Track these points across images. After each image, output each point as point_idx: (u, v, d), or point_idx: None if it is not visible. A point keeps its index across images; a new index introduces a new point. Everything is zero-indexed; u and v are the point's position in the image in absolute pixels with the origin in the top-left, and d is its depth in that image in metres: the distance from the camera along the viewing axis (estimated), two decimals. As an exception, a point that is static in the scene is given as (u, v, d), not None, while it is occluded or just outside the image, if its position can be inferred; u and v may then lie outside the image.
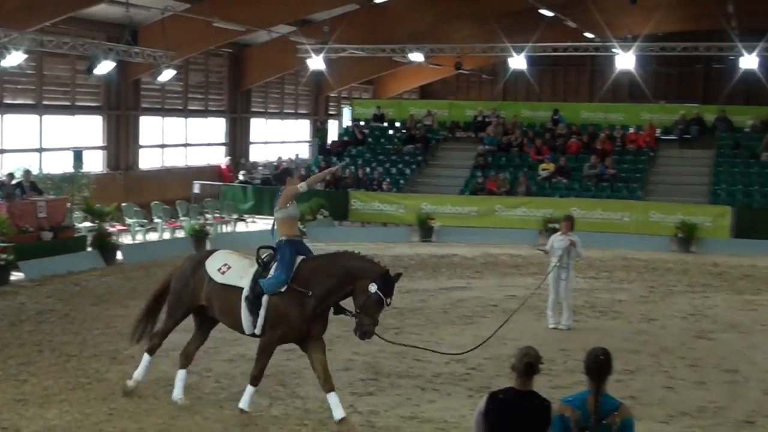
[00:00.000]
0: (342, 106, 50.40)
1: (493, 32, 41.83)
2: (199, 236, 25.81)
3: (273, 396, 11.76)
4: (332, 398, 10.52)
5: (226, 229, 29.83)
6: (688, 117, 35.26)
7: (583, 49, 43.18)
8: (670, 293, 20.21)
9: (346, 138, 37.91)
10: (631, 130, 34.97)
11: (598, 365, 6.27)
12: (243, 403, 10.92)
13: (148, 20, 30.90)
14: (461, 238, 28.18)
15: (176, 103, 35.74)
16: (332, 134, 44.30)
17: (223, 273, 11.09)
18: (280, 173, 33.86)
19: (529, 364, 6.33)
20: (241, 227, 30.48)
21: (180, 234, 27.23)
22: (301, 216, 21.31)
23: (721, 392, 12.61)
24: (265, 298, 10.66)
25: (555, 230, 16.92)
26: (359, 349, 13.71)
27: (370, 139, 37.12)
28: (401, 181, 33.73)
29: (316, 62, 35.25)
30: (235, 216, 30.71)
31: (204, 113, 37.57)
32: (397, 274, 10.74)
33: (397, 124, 38.49)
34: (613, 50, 39.33)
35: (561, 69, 57.96)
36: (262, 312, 10.69)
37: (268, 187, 32.60)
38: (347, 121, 42.87)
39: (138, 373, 11.62)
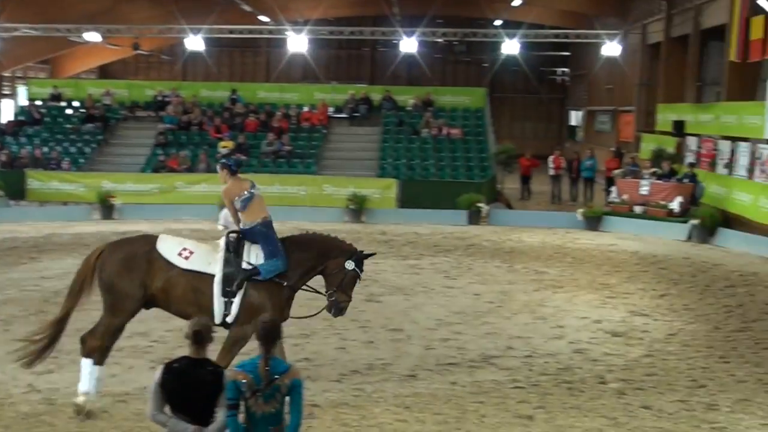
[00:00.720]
0: (17, 85, 47.58)
1: (171, 14, 41.22)
2: None
3: None
4: None
5: None
6: (357, 97, 36.29)
7: (258, 32, 43.54)
8: (343, 260, 20.81)
9: (22, 118, 35.74)
10: (306, 109, 35.61)
11: (266, 331, 6.35)
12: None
13: None
14: (143, 215, 27.51)
15: None
16: (7, 114, 41.71)
17: (186, 258, 9.95)
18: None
19: (197, 332, 6.31)
20: None
21: None
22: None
23: (387, 350, 13.16)
24: (243, 287, 9.89)
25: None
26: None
27: (47, 119, 35.21)
28: (81, 160, 32.32)
29: (-15, 40, 32.96)
30: None
31: None
32: (372, 252, 10.64)
33: (76, 104, 36.77)
34: (286, 33, 39.89)
35: (238, 51, 58.10)
36: (237, 300, 9.90)
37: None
38: (23, 101, 40.47)
39: (85, 386, 9.87)
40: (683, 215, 25.73)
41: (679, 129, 32.19)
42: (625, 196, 27.37)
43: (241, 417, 6.30)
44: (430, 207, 28.17)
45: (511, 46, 40.01)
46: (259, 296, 10.00)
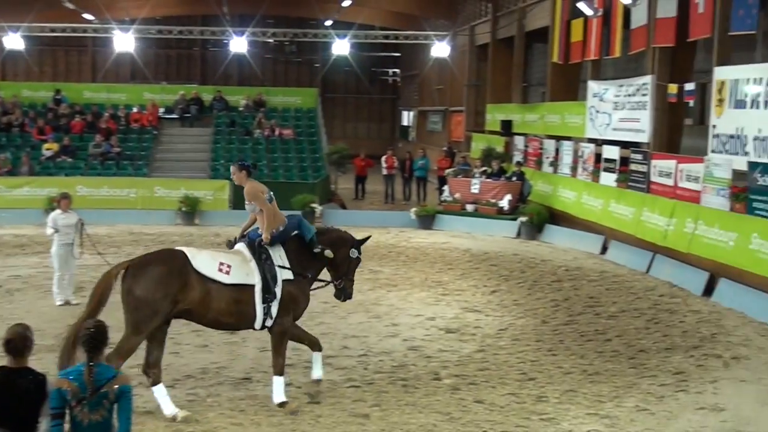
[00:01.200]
0: None
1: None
2: None
3: None
4: (317, 357, 10.91)
5: None
6: (188, 97, 35.82)
7: (82, 30, 42.18)
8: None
9: None
10: (135, 110, 34.86)
11: (90, 337, 6.14)
12: (278, 397, 10.51)
13: None
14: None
15: None
16: None
17: (227, 273, 10.25)
18: None
19: (9, 341, 6.06)
20: None
21: None
22: None
23: (222, 353, 12.98)
24: (278, 288, 10.39)
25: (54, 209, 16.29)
26: None
27: None
28: None
29: None
30: None
31: None
32: (368, 236, 11.71)
33: None
34: (113, 32, 38.90)
35: (62, 49, 56.13)
36: (276, 302, 10.41)
37: None
38: None
39: (169, 409, 10.07)
40: (512, 213, 26.54)
41: (507, 128, 33.21)
42: (457, 195, 27.98)
43: (66, 426, 6.06)
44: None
45: (341, 47, 40.37)
46: (292, 291, 10.55)
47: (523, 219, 25.70)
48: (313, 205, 27.59)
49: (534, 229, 25.52)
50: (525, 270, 20.48)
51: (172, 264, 10.14)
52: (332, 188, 32.42)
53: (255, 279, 10.37)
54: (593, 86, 26.44)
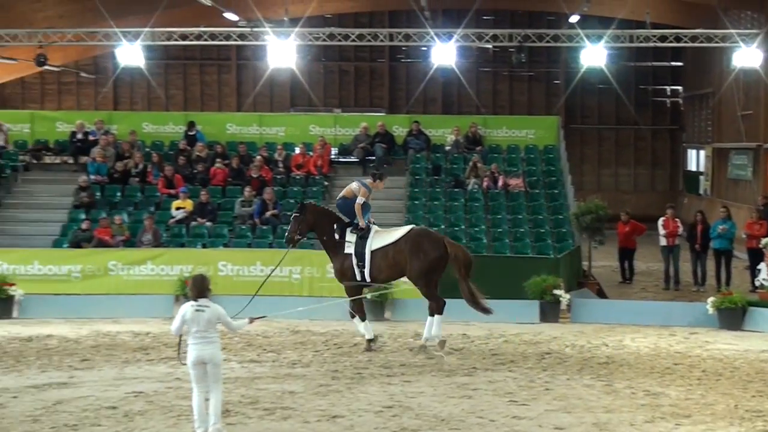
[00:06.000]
0: None
1: (93, 10, 41.05)
2: None
3: None
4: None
5: None
6: (371, 131, 36.61)
7: (225, 36, 43.47)
8: (360, 379, 20.73)
9: None
10: (297, 150, 36.02)
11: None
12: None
13: None
14: (59, 312, 27.54)
15: None
16: None
17: None
18: None
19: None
20: None
21: None
22: None
23: None
24: None
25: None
26: None
27: None
28: (-38, 231, 32.65)
29: None
30: None
31: None
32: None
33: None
34: (265, 38, 39.84)
35: (195, 64, 58.08)
36: None
37: None
38: None
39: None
40: None
41: None
42: (781, 278, 27.37)
43: None
44: (484, 295, 28.05)
45: (593, 54, 40.15)
46: None
47: None
48: (557, 291, 27.47)
49: None
50: None
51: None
52: (584, 267, 32.20)
53: None
54: None
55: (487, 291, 27.91)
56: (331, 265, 24.19)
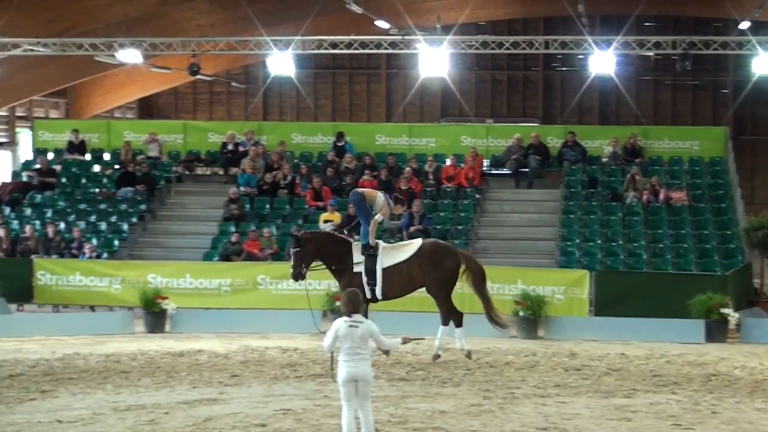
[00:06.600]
0: (18, 130, 49.10)
1: (244, 18, 41.62)
2: None
3: None
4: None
5: None
6: (525, 142, 36.50)
7: (376, 45, 43.61)
8: (513, 399, 20.66)
9: (26, 178, 36.85)
10: (448, 162, 36.17)
11: None
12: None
13: None
14: (209, 326, 28.06)
15: None
16: (3, 173, 43.06)
17: None
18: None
19: None
20: None
21: None
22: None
23: None
24: None
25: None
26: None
27: (64, 179, 36.42)
28: (115, 243, 33.36)
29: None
30: None
31: None
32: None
33: (107, 156, 38.02)
34: (417, 46, 39.95)
35: (344, 74, 58.44)
36: None
37: None
38: (27, 153, 41.85)
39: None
40: None
41: None
42: None
43: None
44: (644, 314, 27.78)
45: (765, 62, 39.47)
46: None
47: None
48: (725, 310, 27.07)
49: None
50: None
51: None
52: (756, 285, 31.68)
53: None
54: None
55: (648, 309, 27.83)
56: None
